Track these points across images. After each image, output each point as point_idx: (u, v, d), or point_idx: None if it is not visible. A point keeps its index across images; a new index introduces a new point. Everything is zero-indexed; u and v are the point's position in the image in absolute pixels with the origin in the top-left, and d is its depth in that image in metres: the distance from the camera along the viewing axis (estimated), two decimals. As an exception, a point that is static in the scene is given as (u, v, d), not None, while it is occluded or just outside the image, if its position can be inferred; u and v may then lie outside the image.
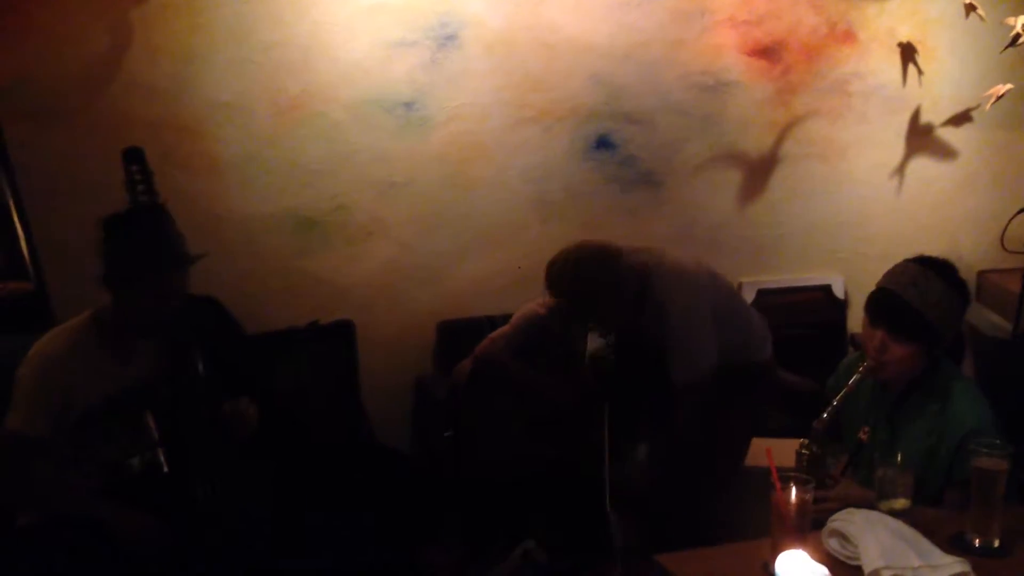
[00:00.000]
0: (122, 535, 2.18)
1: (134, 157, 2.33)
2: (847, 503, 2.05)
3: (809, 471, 2.16)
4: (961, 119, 4.46)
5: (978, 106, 4.33)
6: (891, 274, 2.20)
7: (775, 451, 2.86)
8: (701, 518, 2.68)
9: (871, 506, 1.95)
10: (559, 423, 3.22)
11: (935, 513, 2.02)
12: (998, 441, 1.95)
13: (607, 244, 2.77)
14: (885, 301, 2.16)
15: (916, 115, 4.41)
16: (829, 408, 2.22)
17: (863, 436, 2.26)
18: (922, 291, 2.11)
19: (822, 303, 4.24)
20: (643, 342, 2.89)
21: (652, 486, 2.96)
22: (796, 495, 1.76)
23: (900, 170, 4.45)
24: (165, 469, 2.32)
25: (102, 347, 2.26)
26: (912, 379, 2.20)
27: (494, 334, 3.28)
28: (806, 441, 2.20)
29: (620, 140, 4.02)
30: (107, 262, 2.22)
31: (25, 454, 2.17)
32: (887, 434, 2.23)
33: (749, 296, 4.09)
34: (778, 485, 1.76)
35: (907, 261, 2.21)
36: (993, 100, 4.22)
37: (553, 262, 2.80)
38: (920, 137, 4.45)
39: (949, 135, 4.47)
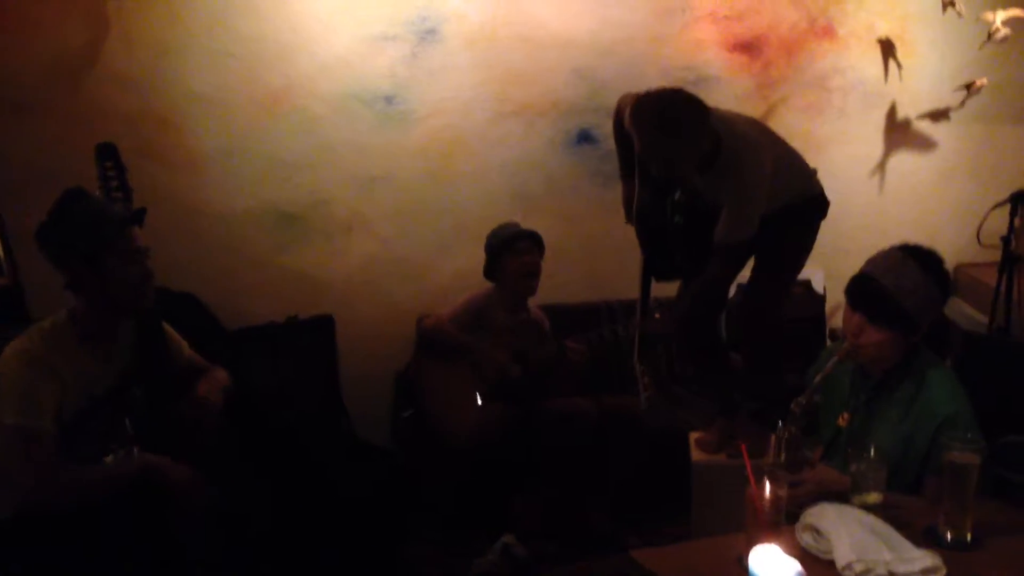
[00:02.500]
0: (174, 481, 2.16)
1: (107, 153, 2.31)
2: (823, 487, 2.08)
3: (787, 453, 2.20)
4: (939, 114, 4.48)
5: (961, 105, 4.35)
6: (873, 260, 2.23)
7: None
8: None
9: (846, 495, 1.96)
10: (511, 390, 3.33)
11: (908, 504, 2.04)
12: (971, 434, 1.98)
13: (697, 96, 2.75)
14: (863, 286, 2.20)
15: (895, 110, 4.43)
16: (808, 390, 2.26)
17: (842, 422, 2.29)
18: (899, 277, 2.14)
19: (802, 297, 4.25)
20: (695, 203, 2.98)
21: (677, 325, 3.12)
22: (770, 490, 1.76)
23: (879, 165, 4.47)
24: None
25: (83, 346, 2.24)
26: (891, 367, 2.22)
27: (440, 313, 3.47)
28: (784, 424, 2.22)
29: (601, 135, 4.02)
30: (59, 264, 2.20)
31: (39, 446, 2.10)
32: (865, 421, 2.26)
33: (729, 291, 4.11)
34: (752, 480, 1.77)
35: (892, 248, 2.23)
36: (968, 95, 4.26)
37: (644, 95, 2.74)
38: (899, 132, 4.47)
39: (927, 129, 4.49)
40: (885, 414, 2.22)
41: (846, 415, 2.29)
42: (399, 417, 3.53)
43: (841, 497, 1.96)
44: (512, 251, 3.41)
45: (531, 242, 3.45)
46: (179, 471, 2.20)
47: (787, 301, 3.10)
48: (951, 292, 2.27)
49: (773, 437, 2.26)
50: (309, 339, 3.57)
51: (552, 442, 3.23)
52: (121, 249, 2.20)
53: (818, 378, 2.26)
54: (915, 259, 2.18)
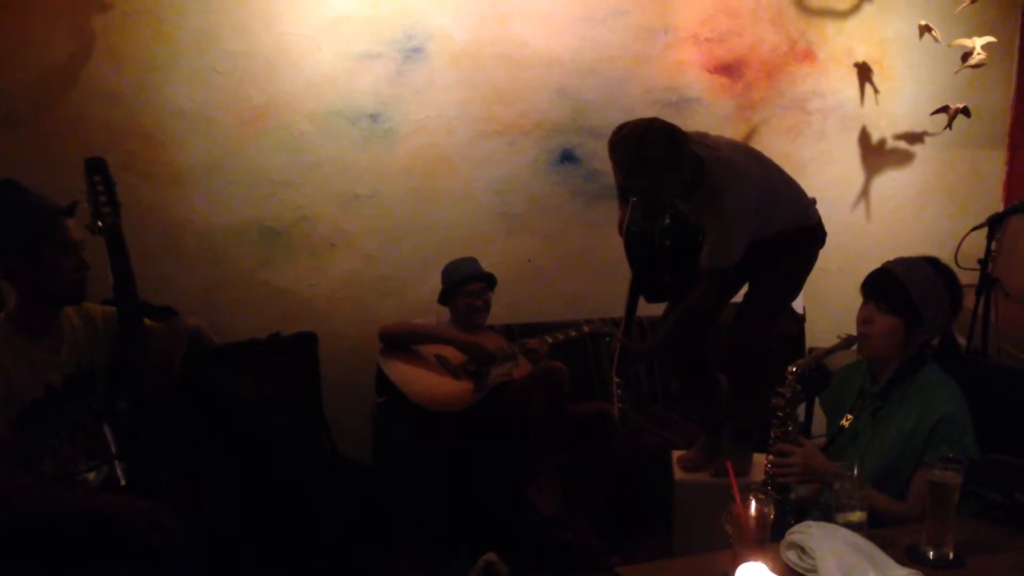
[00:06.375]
0: (129, 525, 2.05)
1: (96, 168, 2.30)
2: (809, 466, 2.21)
3: (780, 418, 2.35)
4: (916, 137, 4.56)
5: (947, 128, 4.42)
6: (892, 260, 2.39)
7: (753, 463, 2.95)
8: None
9: (828, 516, 1.98)
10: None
11: (888, 508, 2.11)
12: (965, 436, 2.14)
13: (675, 126, 2.78)
14: (876, 275, 2.36)
15: (873, 133, 4.50)
16: (805, 358, 2.42)
17: (845, 423, 2.37)
18: (909, 269, 2.31)
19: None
20: (684, 226, 3.01)
21: (660, 345, 3.22)
22: (756, 508, 1.78)
23: (858, 186, 4.53)
24: (122, 483, 2.28)
25: (28, 341, 2.21)
26: (895, 373, 2.30)
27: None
28: (778, 389, 2.36)
29: (584, 154, 4.05)
30: None
31: None
32: (869, 425, 2.33)
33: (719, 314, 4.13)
34: (738, 498, 1.78)
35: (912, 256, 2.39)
36: (950, 118, 4.33)
37: (620, 128, 2.79)
38: (877, 154, 4.54)
39: (905, 152, 4.56)
40: (888, 418, 2.29)
41: (849, 416, 2.37)
42: (376, 406, 3.57)
43: (825, 480, 2.06)
44: (465, 291, 3.57)
45: (485, 283, 3.60)
46: (119, 515, 2.08)
47: (775, 328, 3.13)
48: (960, 305, 2.39)
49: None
50: (291, 355, 3.55)
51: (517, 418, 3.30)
52: (56, 241, 2.20)
53: (816, 353, 2.39)
54: (928, 262, 2.35)
